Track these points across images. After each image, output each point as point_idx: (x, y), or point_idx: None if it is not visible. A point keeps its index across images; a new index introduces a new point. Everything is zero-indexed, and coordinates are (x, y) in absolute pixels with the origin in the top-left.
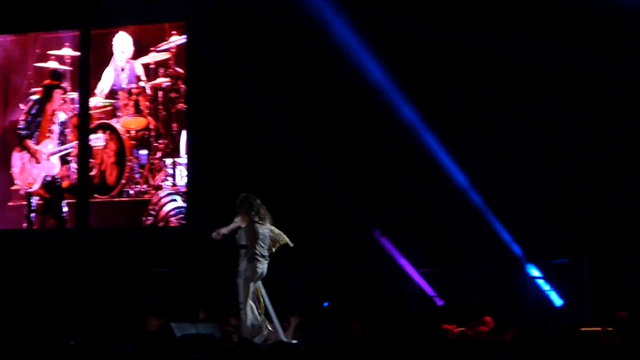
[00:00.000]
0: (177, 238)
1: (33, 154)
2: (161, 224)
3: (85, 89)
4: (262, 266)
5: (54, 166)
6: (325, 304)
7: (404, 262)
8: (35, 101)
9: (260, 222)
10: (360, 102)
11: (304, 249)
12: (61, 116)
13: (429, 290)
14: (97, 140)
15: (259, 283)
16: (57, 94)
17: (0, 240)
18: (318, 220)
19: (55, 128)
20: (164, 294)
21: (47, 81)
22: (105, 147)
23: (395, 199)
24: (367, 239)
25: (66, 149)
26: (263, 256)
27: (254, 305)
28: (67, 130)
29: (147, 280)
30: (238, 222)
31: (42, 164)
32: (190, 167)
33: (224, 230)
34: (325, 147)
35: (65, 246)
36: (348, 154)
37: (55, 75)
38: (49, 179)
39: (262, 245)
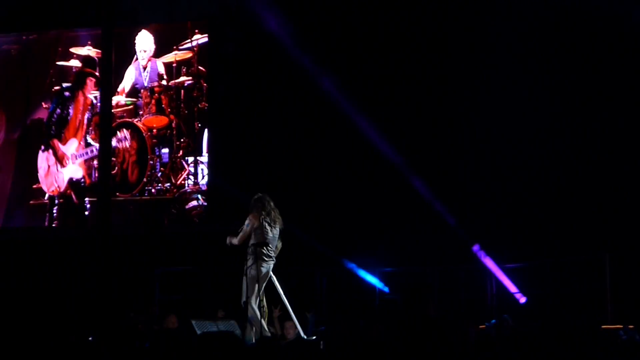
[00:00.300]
0: (197, 236)
1: (60, 159)
2: (182, 223)
3: (107, 87)
4: (267, 266)
5: (79, 170)
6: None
7: (484, 259)
8: (66, 88)
9: (271, 224)
10: (383, 101)
11: (327, 246)
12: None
13: (511, 287)
14: (122, 142)
15: (274, 280)
16: (90, 81)
17: (21, 238)
18: (340, 219)
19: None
20: (184, 292)
21: (78, 67)
22: (127, 145)
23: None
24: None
25: (93, 154)
26: (269, 256)
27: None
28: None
29: (168, 279)
30: (249, 225)
31: (67, 167)
32: (211, 165)
33: (235, 242)
34: (353, 144)
35: (87, 244)
36: (375, 146)
37: (89, 62)
38: (74, 179)
39: (270, 246)
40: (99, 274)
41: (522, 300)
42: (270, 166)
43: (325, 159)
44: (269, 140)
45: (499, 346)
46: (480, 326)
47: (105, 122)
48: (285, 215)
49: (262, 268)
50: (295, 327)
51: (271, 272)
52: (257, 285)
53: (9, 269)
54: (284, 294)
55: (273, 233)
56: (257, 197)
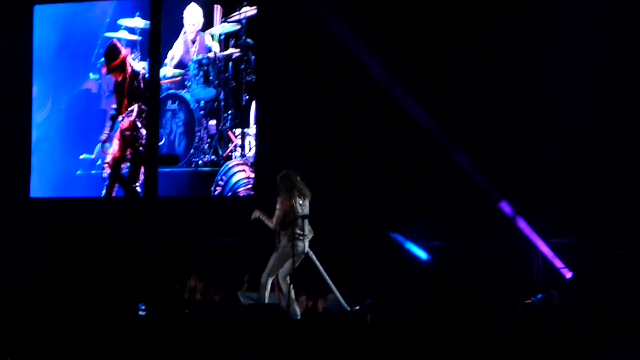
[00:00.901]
0: (244, 208)
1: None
2: (229, 194)
3: (156, 59)
4: (302, 244)
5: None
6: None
7: (531, 234)
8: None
9: (301, 201)
10: (431, 73)
11: (373, 219)
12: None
13: (557, 262)
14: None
15: (312, 255)
16: (128, 63)
17: (69, 208)
18: (391, 191)
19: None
20: (230, 263)
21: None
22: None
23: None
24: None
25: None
26: (304, 235)
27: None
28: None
29: (214, 250)
30: (281, 210)
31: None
32: (258, 137)
33: (270, 225)
34: (402, 117)
35: (134, 215)
36: (421, 120)
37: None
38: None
39: (303, 222)
40: (145, 244)
41: (568, 275)
42: (317, 138)
43: (374, 132)
44: (317, 112)
45: (545, 320)
46: (527, 301)
47: (153, 93)
48: (332, 187)
49: (297, 248)
50: (340, 301)
51: (308, 248)
52: (291, 263)
53: (57, 240)
54: (327, 267)
55: (303, 210)
56: (283, 175)
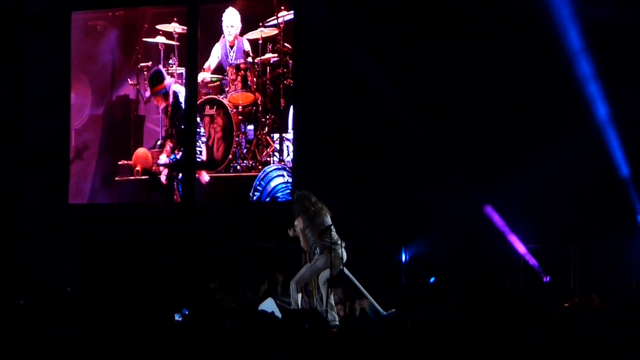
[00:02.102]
0: (283, 213)
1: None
2: (268, 199)
3: (193, 65)
4: (340, 251)
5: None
6: (432, 279)
7: (513, 238)
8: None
9: (317, 215)
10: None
11: (410, 224)
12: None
13: (535, 265)
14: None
15: (345, 269)
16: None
17: (107, 214)
18: (427, 196)
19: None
20: (267, 269)
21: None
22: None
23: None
24: (474, 215)
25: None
26: (335, 243)
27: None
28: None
29: (253, 256)
30: (298, 226)
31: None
32: (296, 142)
33: (304, 247)
34: (440, 120)
35: (172, 221)
36: (463, 126)
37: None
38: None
39: (330, 234)
40: (183, 250)
41: (546, 279)
42: (356, 143)
43: (413, 136)
44: (355, 116)
45: (583, 324)
46: (565, 304)
47: (191, 98)
48: (367, 191)
49: (336, 255)
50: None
51: (345, 255)
52: (322, 276)
53: (96, 245)
54: (361, 273)
55: (324, 219)
56: (296, 198)
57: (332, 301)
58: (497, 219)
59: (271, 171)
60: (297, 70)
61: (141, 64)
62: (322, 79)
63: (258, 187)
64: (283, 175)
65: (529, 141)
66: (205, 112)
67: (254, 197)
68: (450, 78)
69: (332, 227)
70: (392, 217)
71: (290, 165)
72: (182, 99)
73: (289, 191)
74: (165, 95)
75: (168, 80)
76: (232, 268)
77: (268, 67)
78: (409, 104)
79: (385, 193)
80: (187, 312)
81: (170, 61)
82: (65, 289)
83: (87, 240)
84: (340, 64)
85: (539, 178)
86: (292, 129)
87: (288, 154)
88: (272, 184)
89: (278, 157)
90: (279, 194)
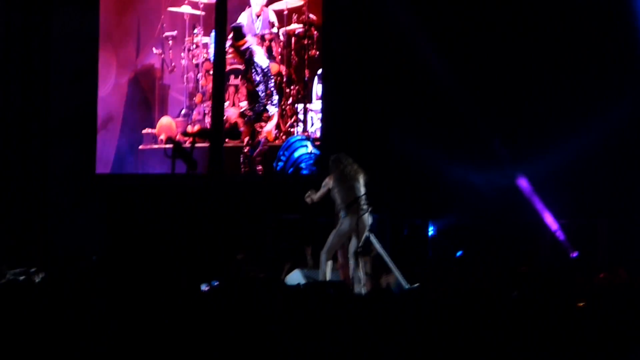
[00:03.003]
0: (307, 184)
1: None
2: (291, 169)
3: (221, 33)
4: (365, 218)
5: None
6: (459, 253)
7: (543, 213)
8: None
9: (350, 179)
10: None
11: (439, 198)
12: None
13: (563, 240)
14: None
15: (373, 238)
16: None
17: (132, 184)
18: (456, 169)
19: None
20: (295, 240)
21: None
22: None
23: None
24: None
25: None
26: (363, 210)
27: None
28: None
29: (279, 226)
30: (325, 186)
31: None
32: (324, 113)
33: (315, 197)
34: (473, 93)
35: (198, 192)
36: (496, 99)
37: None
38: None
39: (359, 202)
40: (210, 221)
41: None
42: (385, 115)
43: (440, 108)
44: (384, 88)
45: (611, 299)
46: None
47: (218, 67)
48: (395, 164)
49: (362, 222)
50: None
51: (370, 222)
52: (357, 238)
53: (123, 216)
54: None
55: (358, 189)
56: (333, 158)
57: (362, 274)
58: (527, 193)
59: (295, 141)
60: (322, 41)
61: (166, 33)
62: (349, 50)
63: (282, 157)
64: (307, 146)
65: (561, 114)
66: (230, 82)
67: (277, 167)
68: (486, 49)
69: (362, 190)
70: (420, 191)
71: (314, 136)
72: (257, 59)
73: (312, 162)
74: (243, 52)
75: (249, 38)
76: (260, 239)
77: (293, 38)
78: (439, 75)
79: (414, 166)
80: (216, 284)
81: (195, 30)
82: (91, 257)
83: (114, 211)
84: (369, 33)
85: (570, 152)
86: (318, 100)
87: (312, 125)
88: (296, 154)
89: (302, 127)
90: (302, 165)
